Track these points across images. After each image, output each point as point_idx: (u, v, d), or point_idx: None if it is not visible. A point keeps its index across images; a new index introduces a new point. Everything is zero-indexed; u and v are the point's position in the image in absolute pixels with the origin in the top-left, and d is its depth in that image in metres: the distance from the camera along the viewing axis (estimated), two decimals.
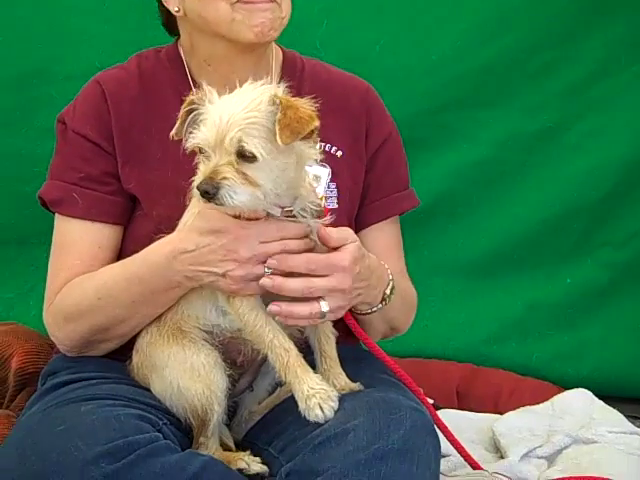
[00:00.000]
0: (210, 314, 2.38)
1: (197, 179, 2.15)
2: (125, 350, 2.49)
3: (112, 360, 2.52)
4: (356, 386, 2.38)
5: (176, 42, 2.72)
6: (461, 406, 3.35)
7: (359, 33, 3.60)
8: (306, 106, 2.18)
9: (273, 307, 2.24)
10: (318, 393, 2.22)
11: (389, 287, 2.46)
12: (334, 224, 2.46)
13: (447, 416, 2.80)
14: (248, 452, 2.38)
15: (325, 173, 2.64)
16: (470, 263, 3.77)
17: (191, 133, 2.19)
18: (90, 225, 2.53)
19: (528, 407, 3.16)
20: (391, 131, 2.77)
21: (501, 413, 3.18)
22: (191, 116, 2.23)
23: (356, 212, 2.71)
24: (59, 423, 2.16)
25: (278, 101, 2.15)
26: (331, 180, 2.66)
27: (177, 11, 2.59)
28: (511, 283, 3.77)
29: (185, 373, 2.33)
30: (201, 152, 2.17)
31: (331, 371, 2.38)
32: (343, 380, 2.38)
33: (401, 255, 2.77)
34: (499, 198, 3.76)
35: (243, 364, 2.45)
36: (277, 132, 2.12)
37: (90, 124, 2.57)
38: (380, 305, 2.45)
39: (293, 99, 2.19)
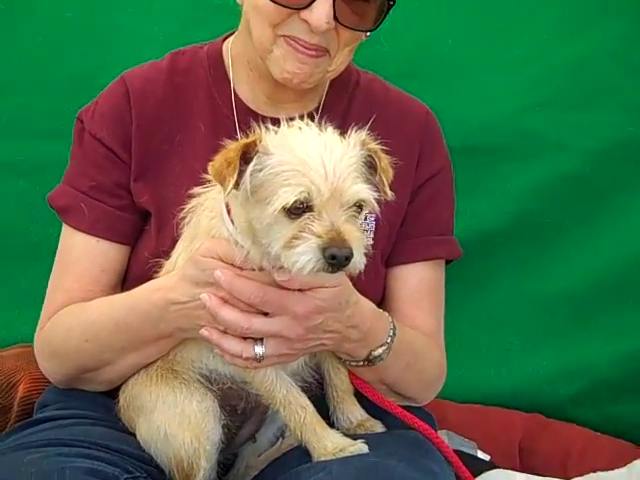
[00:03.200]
0: (207, 359, 2.34)
1: (310, 240, 1.96)
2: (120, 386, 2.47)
3: (105, 396, 2.49)
4: (376, 424, 2.35)
5: (223, 40, 2.66)
6: (523, 465, 3.18)
7: (429, 26, 3.41)
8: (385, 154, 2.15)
9: (204, 331, 2.19)
10: (348, 446, 2.19)
11: (381, 348, 2.34)
12: (367, 260, 2.31)
13: (502, 479, 2.58)
14: None
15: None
16: (558, 298, 3.50)
17: (287, 186, 1.98)
18: (95, 243, 2.52)
19: (600, 473, 2.99)
20: (443, 166, 2.69)
21: (568, 478, 3.00)
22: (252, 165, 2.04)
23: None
24: None
25: (367, 147, 2.11)
26: (370, 212, 2.46)
27: None
28: (606, 325, 3.49)
29: (174, 419, 2.30)
30: (292, 210, 1.98)
31: (344, 404, 2.37)
32: (359, 413, 2.36)
33: (435, 310, 2.63)
34: (597, 219, 3.48)
35: (245, 411, 2.39)
36: (386, 185, 2.10)
37: (107, 127, 2.55)
38: (362, 363, 2.34)
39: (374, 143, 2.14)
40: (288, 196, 1.98)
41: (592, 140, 3.45)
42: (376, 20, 2.45)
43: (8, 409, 3.00)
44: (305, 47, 2.38)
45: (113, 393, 2.50)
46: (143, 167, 2.53)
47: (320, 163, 2.00)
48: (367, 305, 2.32)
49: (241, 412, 2.40)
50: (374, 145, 2.13)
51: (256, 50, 2.45)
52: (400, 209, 2.57)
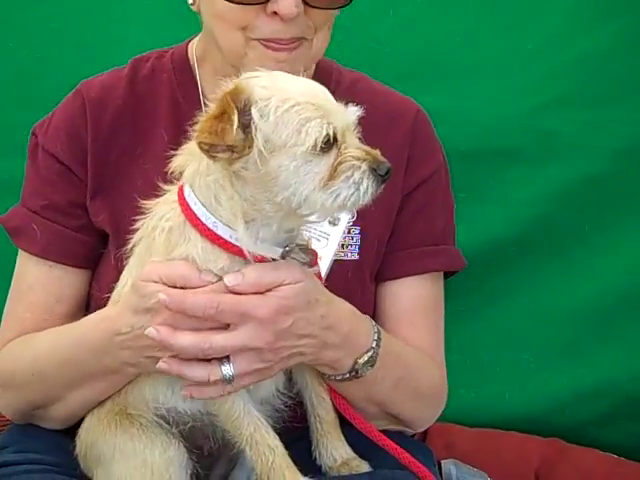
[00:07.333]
0: (164, 397, 2.25)
1: (360, 167, 1.98)
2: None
3: (66, 436, 2.45)
4: (363, 465, 2.29)
5: (188, 42, 2.64)
6: None
7: (433, 22, 3.39)
8: None
9: (161, 364, 2.09)
10: None
11: (367, 354, 2.25)
12: (352, 278, 2.39)
13: None
14: None
15: (345, 215, 2.47)
16: (577, 312, 3.44)
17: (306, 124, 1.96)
18: (48, 269, 2.49)
19: None
20: (436, 170, 2.62)
21: None
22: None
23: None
24: None
25: None
26: (354, 224, 2.49)
27: (192, 4, 2.49)
28: (630, 340, 3.40)
29: (136, 471, 2.22)
30: (324, 144, 1.97)
31: (328, 437, 2.31)
32: (344, 451, 2.30)
33: (432, 328, 2.56)
34: (619, 225, 3.43)
35: (212, 452, 2.31)
36: None
37: (62, 141, 2.51)
38: (347, 375, 2.25)
39: None
40: (322, 129, 1.97)
41: (612, 139, 3.40)
42: None
43: None
44: (282, 44, 2.35)
45: (74, 432, 2.43)
46: (100, 183, 2.50)
47: (320, 92, 2.05)
48: (344, 306, 2.24)
49: (208, 453, 2.31)
50: None
51: (227, 59, 2.43)
52: (388, 219, 2.52)
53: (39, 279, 2.50)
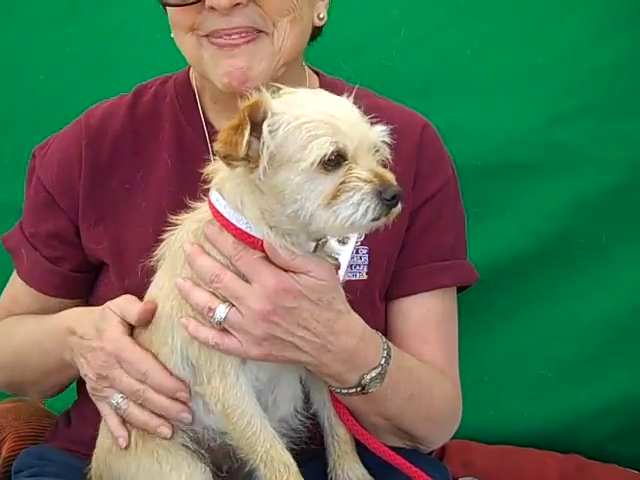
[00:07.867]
0: (197, 409, 2.25)
1: (362, 188, 1.99)
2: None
3: (83, 459, 2.47)
4: None
5: (190, 66, 2.64)
6: None
7: (445, 36, 3.40)
8: None
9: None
10: None
11: (374, 371, 2.24)
12: (361, 298, 2.38)
13: None
14: None
15: (354, 235, 2.45)
16: (596, 325, 3.42)
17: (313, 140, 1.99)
18: (29, 290, 2.63)
19: None
20: (445, 184, 2.61)
21: None
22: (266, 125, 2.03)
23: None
24: None
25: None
26: (362, 244, 2.49)
27: (174, 36, 2.52)
28: None
29: None
30: (328, 162, 1.99)
31: (345, 458, 2.32)
32: (360, 472, 2.30)
33: (445, 344, 2.55)
34: (637, 236, 3.38)
35: (230, 471, 2.31)
36: None
37: (52, 169, 2.56)
38: (353, 390, 2.24)
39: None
40: (324, 147, 1.98)
41: (626, 151, 3.38)
42: None
43: None
44: (227, 35, 2.35)
45: (91, 455, 2.45)
46: (101, 211, 2.53)
47: (340, 111, 2.04)
48: (357, 322, 2.24)
49: (226, 472, 2.32)
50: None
51: (195, 69, 2.49)
52: (397, 236, 2.50)
53: (26, 296, 2.67)
